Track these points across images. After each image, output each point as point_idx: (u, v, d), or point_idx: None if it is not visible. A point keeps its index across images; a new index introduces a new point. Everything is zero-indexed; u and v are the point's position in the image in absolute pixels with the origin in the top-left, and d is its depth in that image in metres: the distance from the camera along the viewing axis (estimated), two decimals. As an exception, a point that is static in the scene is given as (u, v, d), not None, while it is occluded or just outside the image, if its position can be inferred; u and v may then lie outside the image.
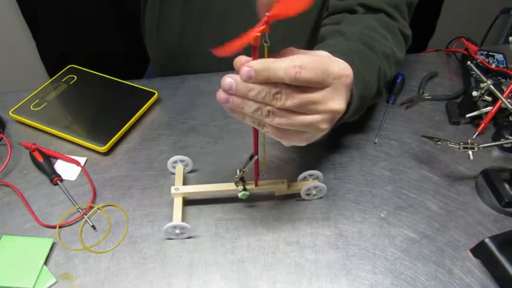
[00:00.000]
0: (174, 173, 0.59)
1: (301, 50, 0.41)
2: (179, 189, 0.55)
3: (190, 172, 0.61)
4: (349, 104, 0.48)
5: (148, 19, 0.86)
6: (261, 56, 0.38)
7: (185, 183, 0.59)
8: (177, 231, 0.52)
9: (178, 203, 0.54)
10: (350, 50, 0.52)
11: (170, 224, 0.51)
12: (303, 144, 0.44)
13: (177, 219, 0.52)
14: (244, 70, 0.37)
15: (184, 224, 0.51)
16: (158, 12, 0.81)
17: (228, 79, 0.38)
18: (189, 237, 0.53)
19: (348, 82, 0.41)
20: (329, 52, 0.43)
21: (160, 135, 0.67)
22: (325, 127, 0.42)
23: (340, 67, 0.41)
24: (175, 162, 0.59)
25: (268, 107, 0.38)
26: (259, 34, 0.36)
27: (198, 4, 0.77)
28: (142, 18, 0.89)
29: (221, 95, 0.39)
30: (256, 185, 0.54)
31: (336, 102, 0.41)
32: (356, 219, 0.55)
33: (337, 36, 0.59)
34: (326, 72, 0.39)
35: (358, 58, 0.52)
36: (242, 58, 0.38)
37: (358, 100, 0.50)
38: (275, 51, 0.41)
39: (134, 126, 0.68)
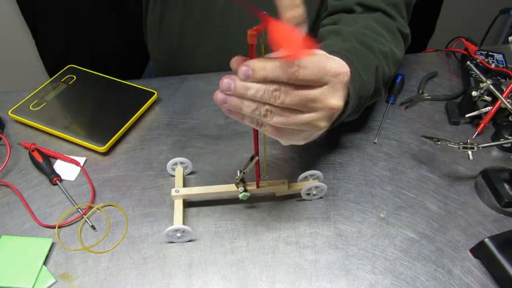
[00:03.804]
0: (173, 176, 0.59)
1: None
2: (180, 191, 0.54)
3: (189, 174, 0.61)
4: (346, 103, 0.48)
5: (150, 19, 0.86)
6: (259, 55, 0.38)
7: (185, 184, 0.59)
8: (178, 234, 0.52)
9: (178, 205, 0.54)
10: (347, 50, 0.52)
11: (172, 227, 0.50)
12: (302, 143, 0.44)
13: (178, 222, 0.52)
14: (242, 69, 0.37)
15: (185, 227, 0.51)
16: (160, 12, 0.81)
17: (226, 80, 0.38)
18: (189, 240, 0.53)
19: (346, 79, 0.41)
20: (326, 52, 0.43)
21: (160, 135, 0.67)
22: (323, 125, 0.41)
23: (337, 65, 0.41)
24: (175, 164, 0.59)
25: (266, 106, 0.38)
26: (255, 32, 0.35)
27: (199, 5, 0.77)
28: (144, 18, 0.89)
29: (219, 96, 0.39)
30: (258, 186, 0.54)
31: (334, 99, 0.40)
32: (355, 219, 0.55)
33: (335, 36, 0.59)
34: (323, 70, 0.39)
35: (356, 58, 0.52)
36: (238, 58, 0.38)
37: (355, 98, 0.50)
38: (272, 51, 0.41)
39: (134, 126, 0.68)
